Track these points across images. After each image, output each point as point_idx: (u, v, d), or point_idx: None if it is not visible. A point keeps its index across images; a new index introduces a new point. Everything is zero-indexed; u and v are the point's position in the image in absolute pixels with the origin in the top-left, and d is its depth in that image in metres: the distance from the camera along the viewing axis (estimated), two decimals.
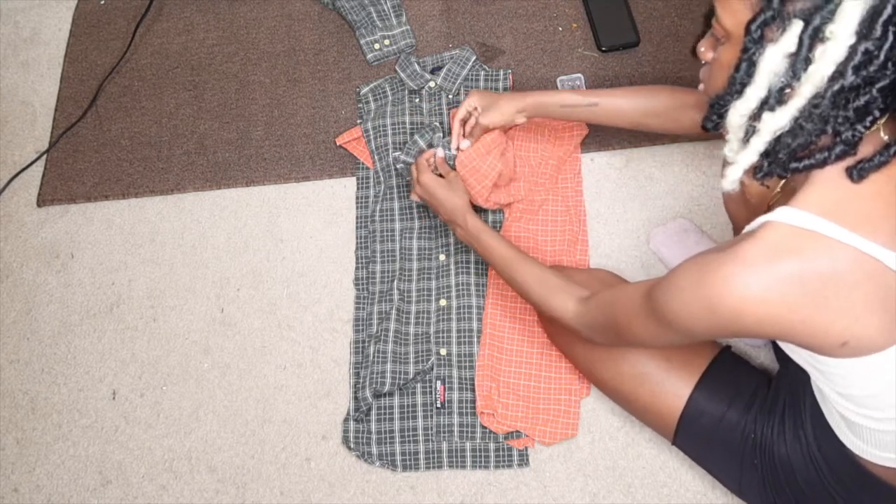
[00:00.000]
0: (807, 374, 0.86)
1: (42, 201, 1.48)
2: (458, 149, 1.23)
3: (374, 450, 1.22)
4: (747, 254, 0.71)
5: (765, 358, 1.20)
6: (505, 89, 1.45)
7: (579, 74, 1.44)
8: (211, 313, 1.36)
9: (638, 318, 0.84)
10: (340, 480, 1.21)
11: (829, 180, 0.71)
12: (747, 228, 0.75)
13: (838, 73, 0.66)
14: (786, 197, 0.77)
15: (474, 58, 1.48)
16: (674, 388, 1.01)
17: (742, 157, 0.76)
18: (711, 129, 0.79)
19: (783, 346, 0.84)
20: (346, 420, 1.24)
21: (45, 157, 1.52)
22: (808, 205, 0.71)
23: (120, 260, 1.42)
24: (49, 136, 1.55)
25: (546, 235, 1.32)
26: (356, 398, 1.25)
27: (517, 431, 1.20)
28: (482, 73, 1.47)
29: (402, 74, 1.47)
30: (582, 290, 0.98)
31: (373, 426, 1.23)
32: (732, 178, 0.78)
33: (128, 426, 1.28)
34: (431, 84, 1.46)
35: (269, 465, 1.24)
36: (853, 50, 0.65)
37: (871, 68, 0.65)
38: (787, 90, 0.70)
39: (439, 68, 1.48)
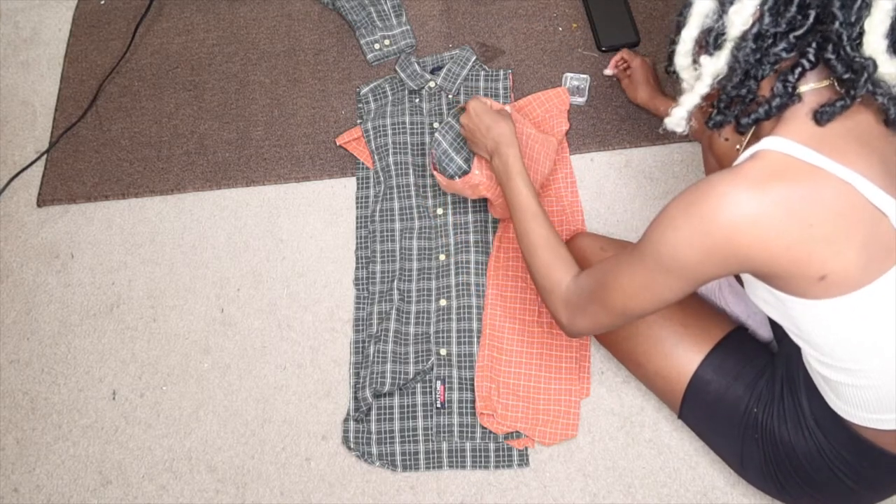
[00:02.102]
0: (799, 347, 0.87)
1: (42, 201, 1.48)
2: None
3: (374, 450, 1.22)
4: (743, 174, 0.73)
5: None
6: (505, 89, 1.45)
7: (587, 76, 1.44)
8: (211, 313, 1.36)
9: (626, 271, 0.84)
10: (340, 480, 1.21)
11: (802, 120, 0.75)
12: (738, 160, 0.78)
13: (758, 17, 0.73)
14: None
15: (474, 58, 1.48)
16: (686, 353, 1.03)
17: (686, 98, 0.81)
18: (669, 72, 0.84)
19: (756, 298, 0.85)
20: (346, 420, 1.24)
21: (45, 157, 1.52)
22: (792, 135, 0.74)
23: (120, 260, 1.42)
24: (49, 136, 1.55)
25: None
26: (356, 398, 1.25)
27: (517, 432, 1.20)
28: (482, 73, 1.47)
29: (402, 74, 1.47)
30: (578, 268, 0.98)
31: (373, 426, 1.23)
32: (676, 118, 0.83)
33: (128, 426, 1.28)
34: (431, 84, 1.46)
35: (269, 465, 1.24)
36: None
37: (787, 14, 0.71)
38: (723, 36, 0.75)
39: (439, 68, 1.48)
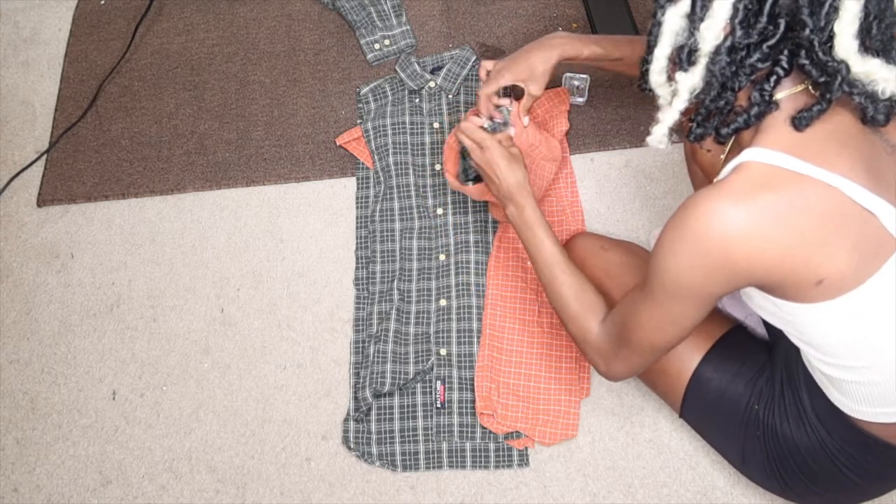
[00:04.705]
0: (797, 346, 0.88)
1: (42, 201, 1.48)
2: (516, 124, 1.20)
3: (374, 450, 1.22)
4: (728, 188, 0.73)
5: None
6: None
7: (586, 76, 1.44)
8: (211, 313, 1.36)
9: (642, 309, 0.85)
10: (340, 480, 1.21)
11: (781, 128, 0.75)
12: (720, 175, 0.78)
13: (729, 30, 0.73)
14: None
15: (474, 58, 1.48)
16: (686, 350, 1.03)
17: (665, 115, 0.81)
18: (644, 90, 0.84)
19: (754, 305, 0.86)
20: (346, 420, 1.24)
21: (45, 157, 1.52)
22: (772, 144, 0.75)
23: (120, 260, 1.42)
24: (49, 136, 1.55)
25: None
26: (356, 398, 1.25)
27: (517, 432, 1.20)
28: None
29: (402, 74, 1.47)
30: (606, 309, 0.97)
31: (373, 426, 1.23)
32: (657, 136, 0.83)
33: (128, 426, 1.28)
34: (431, 84, 1.46)
35: (269, 465, 1.24)
36: (736, 8, 0.71)
37: (758, 25, 0.71)
38: (696, 52, 0.75)
39: (439, 68, 1.48)
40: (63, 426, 1.29)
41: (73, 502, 1.24)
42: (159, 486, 1.24)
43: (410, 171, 1.39)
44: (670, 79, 0.80)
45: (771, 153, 0.74)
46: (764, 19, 0.72)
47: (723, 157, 0.86)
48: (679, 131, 0.84)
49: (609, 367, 0.94)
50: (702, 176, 1.04)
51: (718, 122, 0.80)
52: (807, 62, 0.72)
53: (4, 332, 1.38)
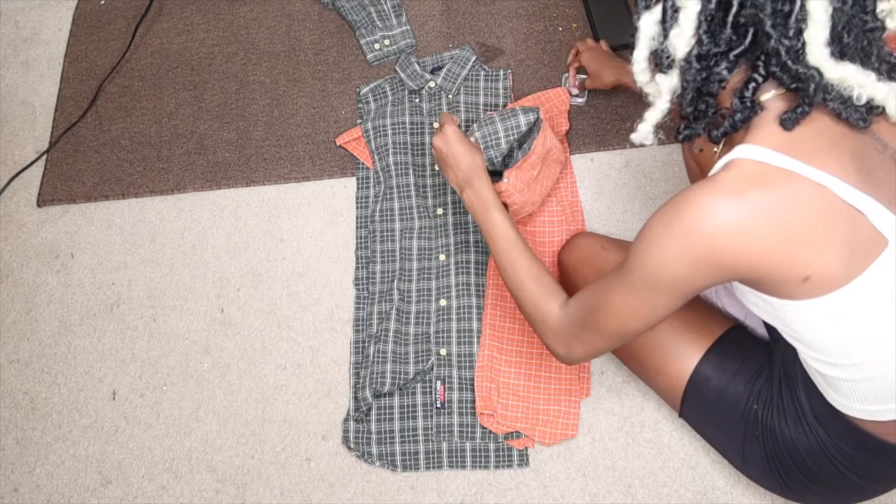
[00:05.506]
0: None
1: (42, 201, 1.48)
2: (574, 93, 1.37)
3: (374, 450, 1.22)
4: (720, 184, 0.74)
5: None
6: (505, 89, 1.45)
7: (585, 76, 1.44)
8: (211, 313, 1.36)
9: (616, 294, 0.84)
10: (340, 480, 1.21)
11: (770, 126, 0.76)
12: (713, 171, 0.78)
13: (698, 39, 0.74)
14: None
15: (474, 58, 1.48)
16: (686, 350, 1.03)
17: (650, 114, 0.83)
18: (638, 87, 0.85)
19: (746, 301, 0.86)
20: (346, 420, 1.24)
21: (45, 157, 1.52)
22: (763, 142, 0.75)
23: (120, 260, 1.42)
24: (49, 136, 1.55)
25: (545, 237, 1.32)
26: (356, 398, 1.25)
27: (517, 432, 1.20)
28: (482, 73, 1.47)
29: (402, 74, 1.47)
30: (566, 295, 0.98)
31: (373, 426, 1.23)
32: (642, 133, 0.85)
33: (128, 426, 1.28)
34: (431, 84, 1.46)
35: (269, 465, 1.24)
36: (699, 19, 0.73)
37: (723, 35, 0.73)
38: (670, 57, 0.77)
39: (439, 68, 1.48)
40: (63, 426, 1.29)
41: (73, 502, 1.24)
42: (159, 486, 1.24)
43: (410, 171, 1.39)
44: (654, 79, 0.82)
45: (762, 150, 0.74)
46: (728, 30, 0.73)
47: (716, 150, 0.87)
48: (667, 129, 0.85)
49: (569, 350, 0.93)
50: (698, 171, 1.05)
51: (707, 125, 0.81)
52: (777, 70, 0.73)
53: (4, 332, 1.38)
